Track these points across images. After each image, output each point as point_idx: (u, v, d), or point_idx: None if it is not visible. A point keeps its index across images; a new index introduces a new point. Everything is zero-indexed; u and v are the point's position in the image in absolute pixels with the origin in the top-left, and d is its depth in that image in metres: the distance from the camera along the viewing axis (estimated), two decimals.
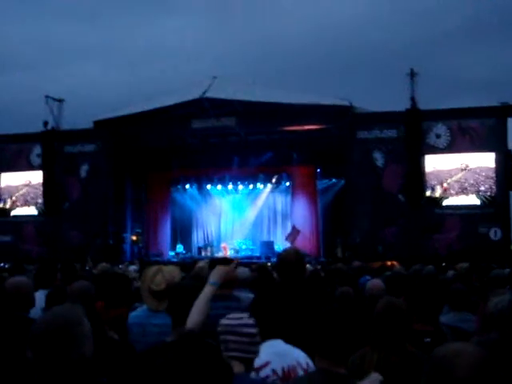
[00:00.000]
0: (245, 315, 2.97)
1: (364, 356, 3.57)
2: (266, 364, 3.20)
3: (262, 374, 3.17)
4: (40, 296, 5.16)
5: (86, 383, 2.12)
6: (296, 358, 3.31)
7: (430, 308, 4.13)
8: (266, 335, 3.34)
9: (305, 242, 24.37)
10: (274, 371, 3.21)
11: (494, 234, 20.23)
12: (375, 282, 5.53)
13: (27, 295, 4.32)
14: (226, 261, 4.96)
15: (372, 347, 3.57)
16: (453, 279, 6.69)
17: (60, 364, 2.05)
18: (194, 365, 1.74)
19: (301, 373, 3.23)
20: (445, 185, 21.06)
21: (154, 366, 1.76)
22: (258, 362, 3.10)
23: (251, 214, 27.91)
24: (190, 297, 3.54)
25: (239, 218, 28.14)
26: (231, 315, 2.96)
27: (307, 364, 3.27)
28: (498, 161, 20.64)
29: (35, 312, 4.33)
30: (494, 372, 1.56)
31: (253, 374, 3.05)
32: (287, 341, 3.40)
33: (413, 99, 21.30)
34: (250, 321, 2.92)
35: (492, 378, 1.54)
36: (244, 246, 26.03)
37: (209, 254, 24.98)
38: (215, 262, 4.97)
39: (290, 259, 4.58)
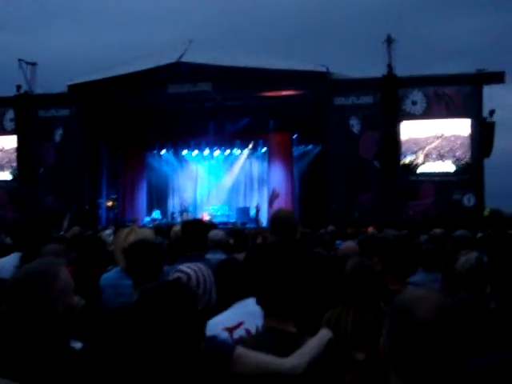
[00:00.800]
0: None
1: (340, 314, 3.63)
2: (240, 324, 3.18)
3: (236, 334, 3.14)
4: (15, 257, 5.13)
5: (57, 339, 2.11)
6: None
7: (402, 268, 4.18)
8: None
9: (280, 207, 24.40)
10: (247, 331, 3.19)
11: (468, 200, 20.45)
12: (348, 244, 5.57)
13: None
14: (198, 223, 4.97)
15: (347, 306, 3.63)
16: (426, 242, 6.76)
17: (32, 318, 2.05)
18: (172, 306, 1.81)
19: None
20: (425, 151, 21.16)
21: (136, 311, 1.81)
22: (230, 323, 3.11)
23: (227, 179, 27.92)
24: (147, 254, 3.54)
25: (215, 183, 28.14)
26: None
27: None
28: (473, 128, 20.77)
29: (7, 272, 4.31)
30: (453, 317, 1.59)
31: (226, 335, 3.04)
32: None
33: (389, 66, 21.23)
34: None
35: (451, 323, 1.57)
36: (220, 212, 26.05)
37: (185, 219, 24.95)
38: (188, 224, 4.97)
39: (287, 219, 4.53)
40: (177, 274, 2.76)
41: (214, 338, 2.58)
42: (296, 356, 2.64)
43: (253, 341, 2.87)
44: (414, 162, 21.22)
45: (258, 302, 2.97)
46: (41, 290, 2.08)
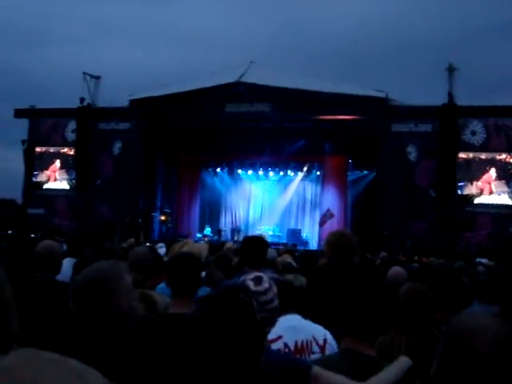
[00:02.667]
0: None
1: (393, 339, 3.60)
2: (278, 338, 3.19)
3: (273, 347, 3.12)
4: (67, 263, 5.23)
5: (123, 338, 2.13)
6: (312, 333, 3.29)
7: (451, 298, 4.11)
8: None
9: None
10: (285, 345, 3.20)
11: None
12: (397, 269, 5.53)
13: (56, 259, 4.34)
14: (257, 239, 4.97)
15: (400, 331, 3.59)
16: (483, 274, 6.64)
17: (97, 317, 2.07)
18: (230, 319, 1.75)
19: (316, 348, 3.22)
20: (479, 183, 20.81)
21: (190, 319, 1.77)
22: (270, 336, 3.09)
23: (280, 201, 27.95)
24: (187, 268, 3.56)
25: (268, 204, 28.21)
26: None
27: (325, 340, 3.26)
28: None
29: (61, 279, 4.39)
30: None
31: None
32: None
33: (450, 94, 21.05)
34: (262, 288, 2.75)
35: None
36: (271, 233, 26.05)
37: (236, 238, 25.02)
38: (250, 239, 4.99)
39: (349, 241, 4.50)
40: (256, 274, 2.68)
41: (286, 354, 2.53)
42: (374, 381, 2.54)
43: (329, 361, 2.81)
44: (471, 193, 20.87)
45: (339, 322, 2.94)
46: (109, 289, 2.11)
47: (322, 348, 3.25)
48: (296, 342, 3.21)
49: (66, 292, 2.39)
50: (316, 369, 2.42)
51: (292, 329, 3.24)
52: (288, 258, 7.30)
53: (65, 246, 9.50)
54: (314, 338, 3.26)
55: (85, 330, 2.09)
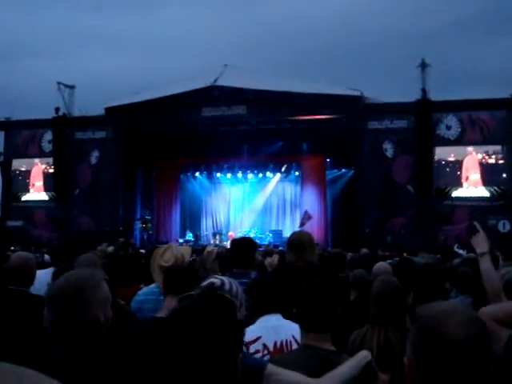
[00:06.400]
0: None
1: (365, 335, 3.62)
2: (257, 339, 3.19)
3: (252, 348, 3.15)
4: (49, 272, 5.19)
5: (99, 347, 2.11)
6: (292, 333, 3.27)
7: (431, 294, 4.13)
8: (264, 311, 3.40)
9: (313, 231, 24.28)
10: (264, 346, 3.20)
11: (503, 226, 20.20)
12: (381, 265, 5.54)
13: (29, 271, 4.32)
14: (246, 240, 5.01)
15: (372, 326, 3.63)
16: (459, 265, 6.70)
17: (72, 327, 2.05)
18: (212, 314, 1.73)
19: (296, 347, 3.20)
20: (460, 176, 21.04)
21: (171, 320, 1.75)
22: (249, 337, 3.06)
23: (260, 202, 28.04)
24: (185, 277, 3.60)
25: (248, 206, 28.26)
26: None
27: None
28: (508, 153, 20.60)
29: (38, 288, 4.35)
30: (484, 332, 1.52)
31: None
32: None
33: (424, 90, 21.23)
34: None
35: (483, 338, 1.50)
36: (252, 235, 26.04)
37: (217, 241, 25.02)
38: (238, 241, 5.05)
39: (303, 241, 4.61)
40: (211, 279, 2.70)
41: (245, 354, 2.51)
42: (328, 378, 2.51)
43: (289, 357, 2.84)
44: (448, 187, 21.09)
45: (297, 318, 2.98)
46: (84, 299, 2.08)
47: None
48: (275, 343, 3.21)
49: (39, 305, 2.36)
50: (270, 367, 2.41)
51: (271, 329, 3.24)
52: (276, 260, 7.36)
53: (47, 257, 9.49)
54: (294, 338, 3.24)
55: (59, 339, 2.06)
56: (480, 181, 20.92)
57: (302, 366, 2.62)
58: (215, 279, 2.64)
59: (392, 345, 3.44)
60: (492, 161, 20.93)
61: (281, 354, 3.09)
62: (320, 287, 3.00)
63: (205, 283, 2.63)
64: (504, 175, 20.75)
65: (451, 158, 21.26)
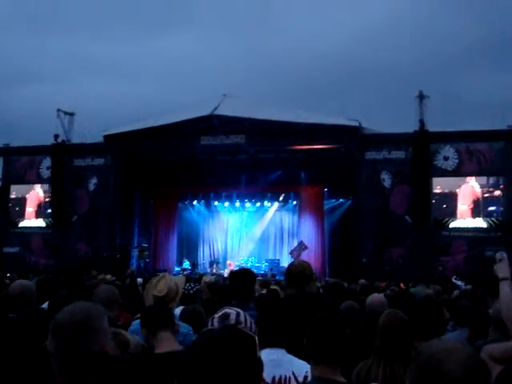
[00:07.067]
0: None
1: (370, 368, 3.60)
2: None
3: None
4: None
5: (105, 377, 2.09)
6: (293, 369, 3.26)
7: (430, 324, 4.09)
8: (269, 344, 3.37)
9: (310, 261, 24.15)
10: (262, 380, 3.18)
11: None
12: (376, 297, 5.51)
13: (29, 298, 4.30)
14: (245, 272, 4.96)
15: (377, 359, 3.60)
16: (458, 298, 6.68)
17: (80, 356, 2.02)
18: (233, 349, 1.71)
19: None
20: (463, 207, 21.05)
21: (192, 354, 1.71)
22: None
23: (258, 231, 27.99)
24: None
25: (246, 235, 28.22)
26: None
27: (305, 377, 3.22)
28: (505, 184, 20.65)
29: None
30: (484, 369, 1.52)
31: None
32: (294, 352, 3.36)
33: (421, 121, 21.35)
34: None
35: (483, 374, 1.50)
36: (249, 264, 25.97)
37: (215, 270, 24.92)
38: (236, 273, 5.00)
39: (303, 271, 4.55)
40: (225, 310, 2.67)
41: None
42: None
43: None
44: (446, 218, 21.10)
45: (307, 350, 2.98)
46: (93, 326, 2.07)
47: None
48: (274, 377, 3.19)
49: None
50: None
51: (272, 363, 3.19)
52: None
53: None
54: (294, 374, 3.23)
55: (63, 373, 2.03)
56: (469, 212, 20.96)
57: None
58: (229, 310, 2.62)
59: (397, 378, 3.41)
60: (489, 192, 20.99)
61: None
62: (330, 320, 3.03)
63: (219, 314, 2.62)
64: (501, 207, 20.79)
65: (449, 189, 21.33)
